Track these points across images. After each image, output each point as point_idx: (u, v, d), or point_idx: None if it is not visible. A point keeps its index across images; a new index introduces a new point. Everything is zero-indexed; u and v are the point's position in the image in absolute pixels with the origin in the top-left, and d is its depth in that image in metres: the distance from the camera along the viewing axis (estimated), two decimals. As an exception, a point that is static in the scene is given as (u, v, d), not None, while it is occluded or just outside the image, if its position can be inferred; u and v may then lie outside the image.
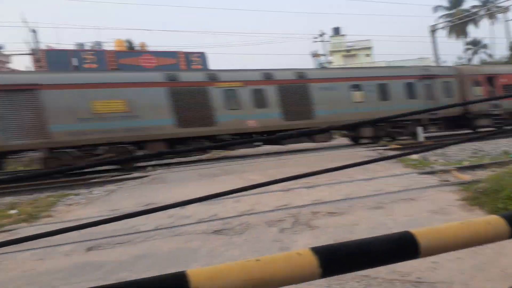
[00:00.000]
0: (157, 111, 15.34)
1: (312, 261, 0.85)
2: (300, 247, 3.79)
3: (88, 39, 54.57)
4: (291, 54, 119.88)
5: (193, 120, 15.88)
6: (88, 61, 32.29)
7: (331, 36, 53.48)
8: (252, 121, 16.82)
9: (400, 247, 0.93)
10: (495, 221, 1.00)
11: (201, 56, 36.05)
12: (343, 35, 56.43)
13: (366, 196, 6.83)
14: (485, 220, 1.01)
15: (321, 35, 38.67)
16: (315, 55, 41.29)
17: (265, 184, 1.09)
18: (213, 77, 16.64)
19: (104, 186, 10.91)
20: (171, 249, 4.89)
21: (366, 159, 1.36)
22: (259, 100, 17.02)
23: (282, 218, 5.85)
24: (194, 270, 0.81)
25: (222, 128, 16.30)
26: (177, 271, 0.82)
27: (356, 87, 18.78)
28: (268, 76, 17.28)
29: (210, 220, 6.05)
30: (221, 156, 18.36)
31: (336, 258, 0.87)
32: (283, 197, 7.25)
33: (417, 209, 5.84)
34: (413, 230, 0.96)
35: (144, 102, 15.20)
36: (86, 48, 35.10)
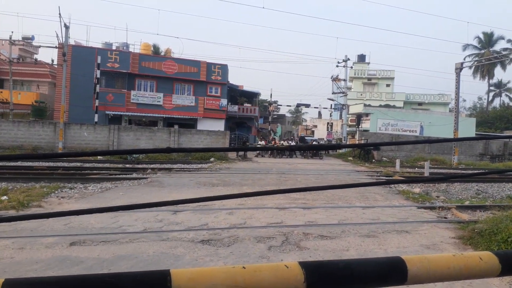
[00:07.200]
0: None
1: (298, 275, 0.84)
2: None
3: (119, 39, 55.92)
4: (311, 76, 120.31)
5: None
6: (112, 60, 33.01)
7: (355, 63, 52.96)
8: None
9: (388, 272, 0.91)
10: (488, 257, 0.99)
11: (223, 68, 36.45)
12: (367, 62, 55.98)
13: (361, 224, 6.67)
14: (477, 254, 1.00)
15: (345, 60, 38.28)
16: (334, 79, 41.22)
17: (254, 194, 1.10)
18: None
19: (100, 183, 10.90)
20: (155, 253, 4.81)
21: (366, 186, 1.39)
22: None
23: (273, 235, 5.73)
24: (178, 270, 0.80)
25: None
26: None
27: None
28: None
29: (199, 229, 5.95)
30: (223, 167, 18.32)
31: (323, 275, 0.86)
32: (277, 215, 7.14)
33: (410, 241, 5.66)
34: (404, 256, 0.95)
35: None
36: (114, 48, 35.87)
